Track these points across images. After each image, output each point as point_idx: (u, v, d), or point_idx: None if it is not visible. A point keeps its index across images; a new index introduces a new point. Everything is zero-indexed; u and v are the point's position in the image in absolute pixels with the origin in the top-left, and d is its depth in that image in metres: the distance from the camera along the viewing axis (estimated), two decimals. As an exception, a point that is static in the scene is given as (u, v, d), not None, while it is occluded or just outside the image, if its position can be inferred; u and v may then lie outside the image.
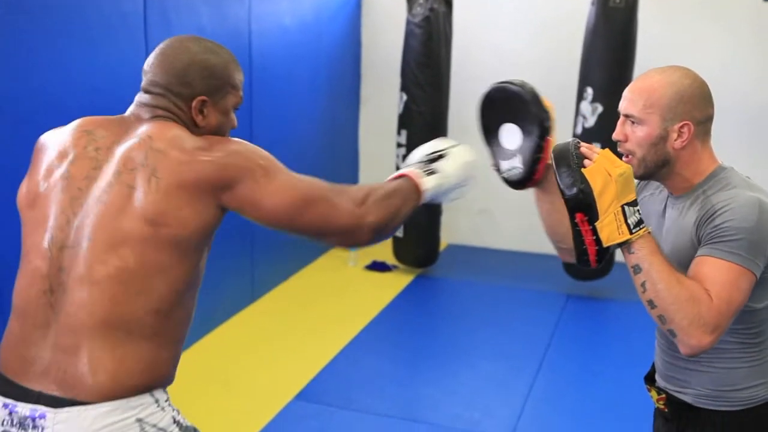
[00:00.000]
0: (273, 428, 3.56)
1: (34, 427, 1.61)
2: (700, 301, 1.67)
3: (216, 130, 1.78)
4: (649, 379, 2.03)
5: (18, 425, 1.62)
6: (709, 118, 1.83)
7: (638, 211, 1.72)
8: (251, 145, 1.72)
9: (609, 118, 4.90)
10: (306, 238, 1.79)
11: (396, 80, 5.54)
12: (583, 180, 1.70)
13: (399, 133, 5.47)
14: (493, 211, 6.23)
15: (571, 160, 1.73)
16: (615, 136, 1.85)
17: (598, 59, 4.94)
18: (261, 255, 4.84)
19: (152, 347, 1.65)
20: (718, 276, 1.70)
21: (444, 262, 5.91)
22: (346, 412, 3.72)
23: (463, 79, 5.85)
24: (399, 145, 5.48)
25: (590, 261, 1.75)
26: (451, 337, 4.74)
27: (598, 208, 1.69)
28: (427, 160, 1.94)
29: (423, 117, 5.34)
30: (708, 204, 1.77)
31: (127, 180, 1.64)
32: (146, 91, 1.77)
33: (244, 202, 1.67)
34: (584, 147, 1.75)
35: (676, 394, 1.92)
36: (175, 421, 1.70)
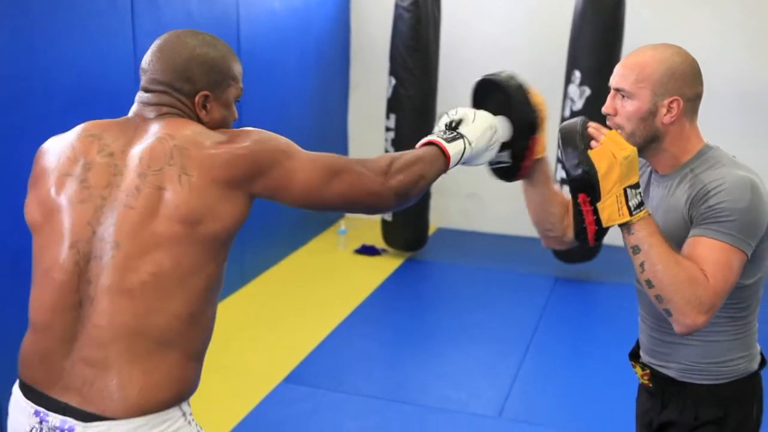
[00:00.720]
0: (262, 410, 3.59)
1: None
2: (697, 282, 1.70)
3: (220, 124, 1.75)
4: (634, 355, 2.07)
5: None
6: (699, 96, 1.86)
7: (639, 193, 1.76)
8: (266, 131, 1.71)
9: (597, 101, 4.92)
10: (335, 209, 1.80)
11: (385, 64, 5.54)
12: (589, 162, 1.73)
13: (388, 117, 5.48)
14: (481, 194, 6.26)
15: (577, 141, 1.76)
16: (605, 109, 1.88)
17: (586, 43, 4.95)
18: (251, 239, 4.85)
19: (180, 358, 1.62)
20: (713, 256, 1.73)
21: (433, 245, 5.94)
22: (335, 394, 3.75)
23: (452, 63, 5.87)
24: (388, 129, 5.49)
25: (588, 239, 1.80)
26: (440, 320, 4.77)
27: (601, 190, 1.73)
28: (452, 127, 1.93)
29: (412, 101, 5.36)
30: (699, 183, 1.79)
31: (154, 181, 1.58)
32: (147, 90, 1.73)
33: (276, 187, 1.67)
34: (592, 127, 1.78)
35: (660, 369, 1.96)
36: None
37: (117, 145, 1.66)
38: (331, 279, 5.33)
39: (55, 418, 1.59)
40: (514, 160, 1.99)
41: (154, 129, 1.66)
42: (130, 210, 1.58)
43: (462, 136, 1.88)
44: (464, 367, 4.13)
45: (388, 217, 5.62)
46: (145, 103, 1.72)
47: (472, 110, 1.93)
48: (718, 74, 5.19)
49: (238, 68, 1.79)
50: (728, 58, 5.45)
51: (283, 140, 1.71)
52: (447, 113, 1.94)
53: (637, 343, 2.08)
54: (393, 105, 5.44)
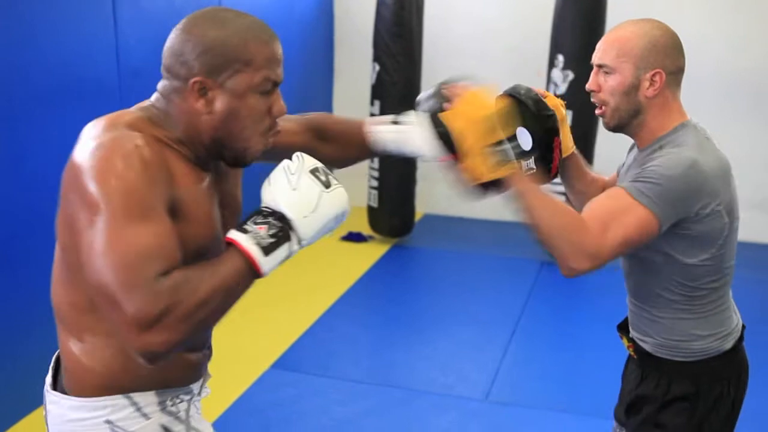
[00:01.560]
0: (251, 396, 3.60)
1: (47, 391, 1.61)
2: (579, 228, 1.73)
3: (228, 117, 1.46)
4: (622, 327, 2.10)
5: (45, 388, 1.62)
6: (681, 70, 1.87)
7: (506, 150, 1.75)
8: (114, 177, 1.34)
9: (580, 85, 4.89)
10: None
11: (369, 51, 5.54)
12: (441, 124, 1.76)
13: (372, 103, 5.48)
14: (468, 180, 6.26)
15: (432, 104, 1.79)
16: (588, 86, 1.90)
17: (569, 27, 4.97)
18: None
19: (108, 344, 1.50)
20: (616, 205, 1.75)
21: (419, 231, 5.95)
22: (322, 380, 3.76)
23: (435, 49, 5.87)
24: (372, 116, 5.47)
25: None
26: (427, 305, 4.79)
27: (460, 150, 1.75)
28: (272, 218, 1.38)
29: (396, 87, 5.36)
30: (656, 154, 1.82)
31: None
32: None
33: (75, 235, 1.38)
34: (447, 89, 1.79)
35: (640, 343, 2.00)
36: (164, 428, 1.58)
37: None
38: (318, 265, 5.33)
39: (49, 378, 1.62)
40: (545, 162, 2.00)
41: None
42: None
43: (288, 239, 1.37)
44: (451, 350, 4.15)
45: (375, 203, 5.62)
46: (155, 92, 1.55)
47: (323, 195, 1.41)
48: (704, 59, 5.23)
49: (259, 50, 1.45)
50: (715, 43, 5.47)
51: (114, 197, 1.33)
52: (269, 215, 1.39)
53: (627, 316, 2.11)
54: (377, 91, 5.44)
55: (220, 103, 1.45)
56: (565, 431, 3.38)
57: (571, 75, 4.93)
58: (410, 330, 4.40)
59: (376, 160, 5.53)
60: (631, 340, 2.03)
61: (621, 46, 1.83)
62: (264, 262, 1.34)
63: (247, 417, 3.46)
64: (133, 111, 1.52)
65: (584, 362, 3.97)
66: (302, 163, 1.43)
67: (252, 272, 1.34)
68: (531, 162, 1.98)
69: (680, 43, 1.87)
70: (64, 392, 1.56)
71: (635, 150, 1.97)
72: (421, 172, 5.75)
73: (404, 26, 5.28)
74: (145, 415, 1.55)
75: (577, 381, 3.79)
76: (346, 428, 3.39)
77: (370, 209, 5.70)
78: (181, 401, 1.62)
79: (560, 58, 4.99)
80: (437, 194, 6.35)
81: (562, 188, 2.18)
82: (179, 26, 1.49)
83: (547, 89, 5.07)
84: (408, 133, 1.87)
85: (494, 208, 6.23)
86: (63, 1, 3.48)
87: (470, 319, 4.53)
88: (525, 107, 1.94)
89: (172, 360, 1.40)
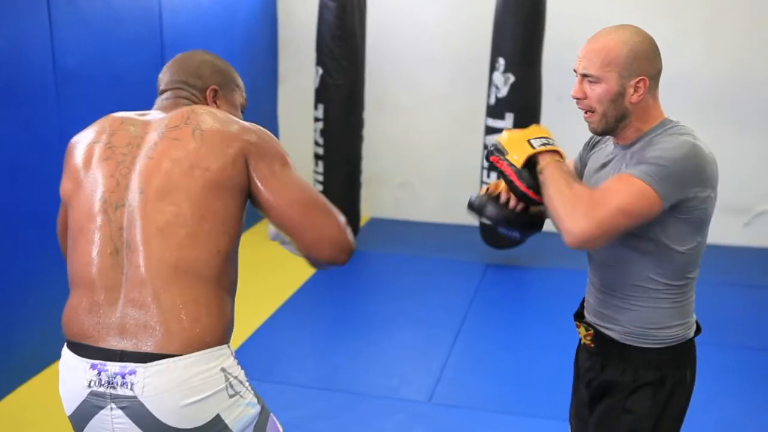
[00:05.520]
0: (193, 403, 3.55)
1: (123, 384, 1.64)
2: (582, 197, 1.85)
3: None
4: (578, 316, 2.16)
5: (107, 384, 1.66)
6: (659, 72, 1.96)
7: (546, 140, 1.99)
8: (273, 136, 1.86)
9: (521, 88, 5.00)
10: (298, 240, 1.82)
11: (313, 55, 5.51)
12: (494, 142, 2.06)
13: (316, 107, 5.46)
14: (414, 183, 6.29)
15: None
16: (574, 94, 1.96)
17: (510, 30, 5.00)
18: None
19: (221, 293, 1.73)
20: (620, 186, 1.85)
21: (365, 235, 5.94)
22: (267, 385, 3.71)
23: (379, 52, 5.88)
24: (316, 120, 5.48)
25: (524, 192, 2.00)
26: (372, 309, 4.78)
27: (506, 147, 2.01)
28: None
29: (340, 90, 5.35)
30: (650, 143, 1.90)
31: (171, 135, 1.77)
32: (164, 91, 1.97)
33: (260, 177, 1.77)
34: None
35: (604, 331, 2.05)
36: (241, 384, 1.77)
37: (140, 119, 1.85)
38: (262, 270, 5.29)
39: (113, 366, 1.65)
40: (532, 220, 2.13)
41: (175, 110, 1.85)
42: (149, 160, 1.75)
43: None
44: (395, 354, 4.15)
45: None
46: (163, 100, 1.95)
47: None
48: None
49: (240, 81, 2.08)
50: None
51: (284, 150, 1.84)
52: None
53: (582, 304, 2.17)
54: (321, 95, 5.42)
55: (224, 108, 1.98)
56: None
57: (512, 78, 4.97)
58: (355, 334, 4.39)
59: (320, 162, 5.51)
60: (589, 328, 2.08)
61: (605, 56, 1.90)
62: None
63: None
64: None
65: (527, 363, 4.00)
66: None
67: None
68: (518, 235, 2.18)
69: (657, 46, 1.94)
70: (169, 356, 1.65)
71: (611, 145, 2.05)
72: (367, 175, 5.75)
73: (347, 29, 5.27)
74: (238, 364, 1.76)
75: (521, 382, 3.82)
76: (290, 433, 3.36)
77: (315, 213, 5.66)
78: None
79: (501, 61, 5.02)
80: (384, 197, 6.36)
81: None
82: (186, 56, 2.01)
83: (489, 92, 5.10)
84: None
85: (440, 211, 6.28)
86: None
87: (415, 321, 4.54)
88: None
89: (233, 310, 1.78)
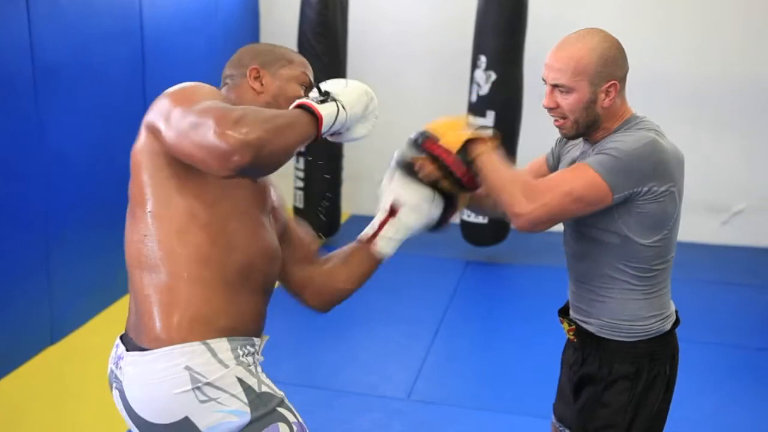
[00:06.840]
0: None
1: (118, 367, 1.73)
2: (524, 181, 1.87)
3: (277, 94, 1.87)
4: (563, 312, 2.18)
5: (115, 363, 1.76)
6: (627, 73, 1.97)
7: (475, 126, 2.00)
8: (199, 86, 1.76)
9: (502, 86, 5.01)
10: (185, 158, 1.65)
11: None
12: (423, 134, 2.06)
13: (297, 103, 5.44)
14: (394, 180, 6.27)
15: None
16: (546, 104, 1.98)
17: (492, 28, 5.01)
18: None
19: (190, 289, 1.67)
20: (573, 173, 1.88)
21: (346, 232, 5.93)
22: (245, 382, 3.72)
23: (360, 49, 5.87)
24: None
25: (457, 176, 1.97)
26: (351, 306, 4.68)
27: (439, 133, 2.00)
28: (324, 94, 1.78)
29: (321, 87, 5.33)
30: (613, 138, 1.92)
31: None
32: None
33: (162, 139, 1.68)
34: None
35: (582, 324, 2.08)
36: (240, 381, 1.66)
37: None
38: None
39: (120, 347, 1.76)
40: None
41: None
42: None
43: (334, 99, 1.75)
44: (374, 350, 4.16)
45: (300, 204, 5.60)
46: None
47: (344, 80, 1.85)
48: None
49: (297, 57, 1.96)
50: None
51: (189, 90, 1.73)
52: (318, 85, 1.82)
53: (567, 301, 2.19)
54: (302, 92, 5.40)
55: (271, 85, 1.87)
56: (487, 429, 3.41)
57: (493, 75, 4.98)
58: (334, 331, 4.38)
59: (301, 160, 5.51)
60: (572, 323, 2.10)
61: (575, 65, 1.91)
62: (320, 108, 1.69)
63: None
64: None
65: (507, 360, 4.02)
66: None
67: (312, 115, 1.68)
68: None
69: (623, 47, 1.96)
70: (144, 349, 1.68)
71: (581, 143, 2.07)
72: (348, 172, 5.74)
73: (328, 26, 5.26)
74: (221, 363, 1.65)
75: (500, 379, 3.83)
76: (268, 430, 3.36)
77: (296, 209, 5.66)
78: (248, 353, 1.73)
79: (483, 59, 5.03)
80: (364, 194, 6.35)
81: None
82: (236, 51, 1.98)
83: (470, 90, 5.11)
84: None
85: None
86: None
87: (394, 318, 4.54)
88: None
89: (240, 303, 1.74)
